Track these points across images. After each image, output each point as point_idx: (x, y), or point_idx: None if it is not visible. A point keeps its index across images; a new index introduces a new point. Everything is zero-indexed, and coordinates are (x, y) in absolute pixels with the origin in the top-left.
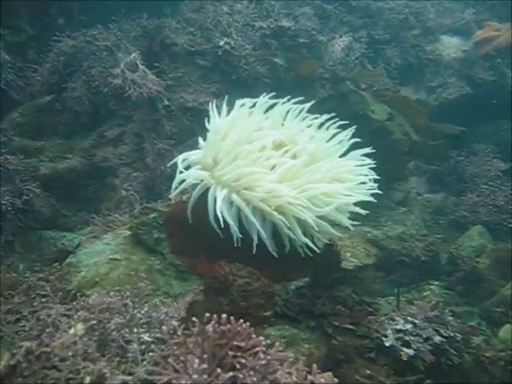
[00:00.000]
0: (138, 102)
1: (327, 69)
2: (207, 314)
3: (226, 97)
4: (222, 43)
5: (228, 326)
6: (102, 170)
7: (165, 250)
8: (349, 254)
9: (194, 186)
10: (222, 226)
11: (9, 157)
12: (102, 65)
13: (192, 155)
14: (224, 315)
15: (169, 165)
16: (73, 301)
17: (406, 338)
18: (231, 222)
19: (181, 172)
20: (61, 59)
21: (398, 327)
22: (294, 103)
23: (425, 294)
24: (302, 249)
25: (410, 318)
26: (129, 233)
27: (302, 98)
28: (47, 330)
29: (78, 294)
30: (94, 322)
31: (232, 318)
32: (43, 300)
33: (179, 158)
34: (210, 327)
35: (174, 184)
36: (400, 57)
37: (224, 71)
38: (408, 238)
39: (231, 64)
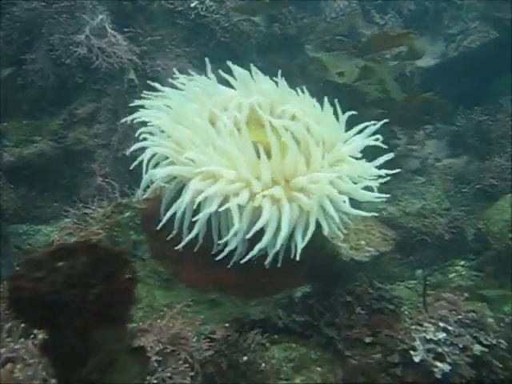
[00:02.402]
0: (110, 74)
1: (329, 22)
2: None
3: None
4: (193, 4)
5: None
6: (76, 154)
7: (145, 255)
8: (363, 242)
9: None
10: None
11: None
12: (62, 31)
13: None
14: None
15: (132, 167)
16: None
17: (439, 349)
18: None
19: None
20: (17, 26)
21: (429, 336)
22: None
23: (450, 276)
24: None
25: (441, 324)
26: (102, 234)
27: None
28: None
29: None
30: None
31: None
32: None
33: (146, 154)
34: None
35: (143, 184)
36: (413, 2)
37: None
38: (428, 213)
39: (207, 27)
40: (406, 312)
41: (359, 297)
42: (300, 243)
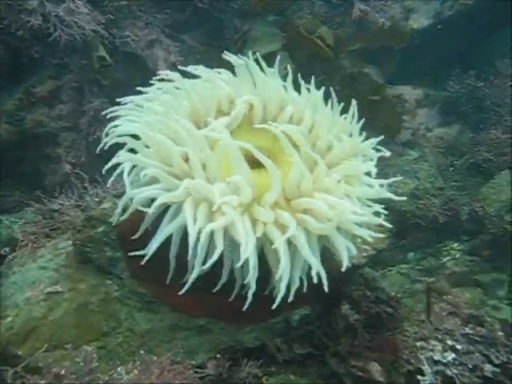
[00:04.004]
0: (72, 46)
1: None
2: None
3: None
4: None
5: None
6: (37, 138)
7: (123, 274)
8: (359, 240)
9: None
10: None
11: None
12: None
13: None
14: None
15: (109, 183)
16: None
17: (448, 371)
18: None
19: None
20: None
21: (436, 357)
22: None
23: (444, 260)
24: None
25: (449, 342)
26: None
27: None
28: None
29: None
30: None
31: None
32: None
33: (125, 167)
34: None
35: (121, 206)
36: None
37: None
38: (422, 194)
39: None
40: (404, 307)
41: (357, 302)
42: (324, 274)
